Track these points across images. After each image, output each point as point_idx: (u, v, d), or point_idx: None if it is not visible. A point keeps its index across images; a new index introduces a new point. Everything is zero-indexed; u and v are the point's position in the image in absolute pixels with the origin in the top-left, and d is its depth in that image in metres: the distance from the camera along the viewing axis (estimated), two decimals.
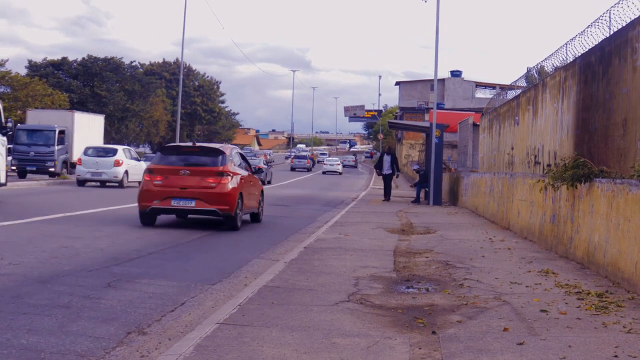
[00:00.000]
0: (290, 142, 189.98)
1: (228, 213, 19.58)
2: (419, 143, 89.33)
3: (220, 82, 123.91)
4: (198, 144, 21.38)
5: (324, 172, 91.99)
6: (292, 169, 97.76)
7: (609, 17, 15.30)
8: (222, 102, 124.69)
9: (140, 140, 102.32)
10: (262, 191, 23.63)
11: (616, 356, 7.00)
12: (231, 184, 19.74)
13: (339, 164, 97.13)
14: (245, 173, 21.34)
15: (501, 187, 21.74)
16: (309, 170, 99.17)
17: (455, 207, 31.57)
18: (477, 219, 24.46)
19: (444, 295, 10.18)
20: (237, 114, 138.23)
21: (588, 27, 16.51)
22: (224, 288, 11.08)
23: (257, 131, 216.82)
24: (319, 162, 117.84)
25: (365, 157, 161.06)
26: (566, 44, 18.56)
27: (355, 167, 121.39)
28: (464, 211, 28.69)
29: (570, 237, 13.86)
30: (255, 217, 22.88)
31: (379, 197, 39.95)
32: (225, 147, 21.49)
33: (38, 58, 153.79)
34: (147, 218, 19.85)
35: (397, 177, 40.46)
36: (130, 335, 7.91)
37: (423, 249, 15.53)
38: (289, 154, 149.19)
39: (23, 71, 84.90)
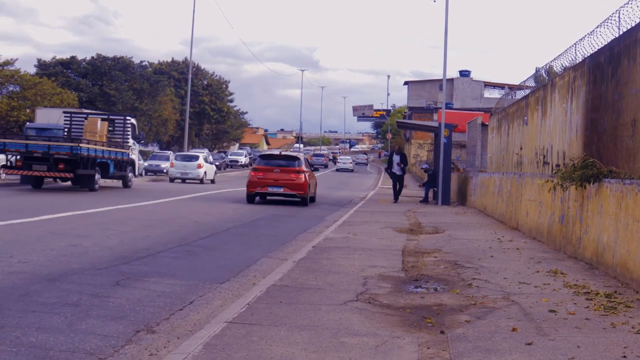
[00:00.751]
0: (299, 141, 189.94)
1: (303, 196, 31.59)
2: (427, 143, 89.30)
3: (228, 82, 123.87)
4: (283, 153, 36.06)
5: (337, 170, 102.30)
6: (311, 165, 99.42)
7: (618, 17, 15.28)
8: (231, 101, 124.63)
9: (149, 139, 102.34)
10: (315, 182, 36.43)
11: (625, 357, 6.99)
12: (304, 178, 31.49)
13: (351, 162, 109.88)
14: (309, 170, 33.93)
15: (510, 187, 21.71)
16: (325, 166, 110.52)
17: (463, 207, 31.54)
18: (485, 219, 24.44)
19: (452, 295, 10.17)
20: (246, 113, 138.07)
21: (597, 27, 16.50)
22: (232, 287, 11.09)
23: (266, 130, 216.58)
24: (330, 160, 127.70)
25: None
26: (575, 44, 18.55)
27: (365, 164, 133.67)
28: (472, 211, 28.67)
29: (579, 237, 13.84)
30: (312, 199, 34.28)
31: (388, 197, 39.94)
32: (299, 155, 36.07)
33: (46, 57, 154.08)
34: (251, 198, 31.76)
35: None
36: (139, 334, 7.93)
37: (431, 249, 15.53)
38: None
39: (32, 70, 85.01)
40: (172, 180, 52.76)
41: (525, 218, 19.05)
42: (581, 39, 17.88)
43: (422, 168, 52.37)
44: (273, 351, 6.96)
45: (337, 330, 7.85)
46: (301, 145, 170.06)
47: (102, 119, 38.88)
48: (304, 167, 31.95)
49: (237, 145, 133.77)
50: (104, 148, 35.56)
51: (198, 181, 52.17)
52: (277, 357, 6.80)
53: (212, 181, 53.75)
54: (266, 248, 16.03)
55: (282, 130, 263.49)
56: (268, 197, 32.76)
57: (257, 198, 32.16)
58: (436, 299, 9.82)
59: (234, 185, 47.30)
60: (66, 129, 38.09)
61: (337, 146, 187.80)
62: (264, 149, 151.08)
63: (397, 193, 36.02)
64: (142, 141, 29.37)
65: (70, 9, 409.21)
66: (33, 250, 13.39)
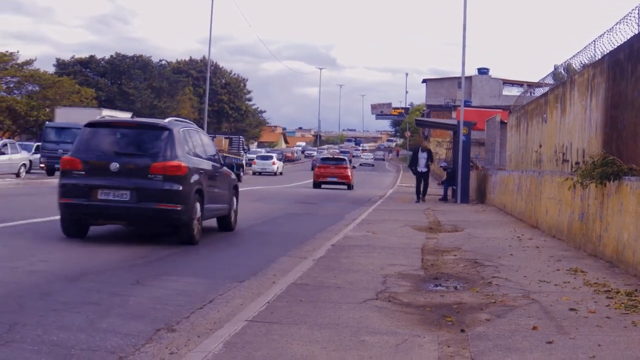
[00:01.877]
0: (317, 140, 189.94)
1: (349, 183, 49.94)
2: (446, 141, 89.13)
3: (247, 80, 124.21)
4: (336, 156, 59.31)
5: (360, 164, 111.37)
6: None
7: (638, 13, 15.20)
8: (249, 99, 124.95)
9: None
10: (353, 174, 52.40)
11: None
12: (349, 172, 50.55)
13: (372, 158, 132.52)
14: (351, 166, 52.40)
15: (529, 185, 21.66)
16: (350, 162, 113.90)
17: (482, 205, 31.51)
18: (504, 217, 24.39)
19: (472, 293, 10.16)
20: (264, 111, 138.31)
21: (616, 24, 16.42)
22: (252, 285, 11.10)
23: (284, 129, 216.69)
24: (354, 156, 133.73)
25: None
26: (594, 41, 18.47)
27: (383, 159, 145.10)
28: (491, 209, 28.63)
29: (599, 235, 13.80)
30: (352, 187, 50.75)
31: (407, 195, 39.91)
32: (346, 157, 59.94)
33: (64, 56, 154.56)
34: (318, 185, 49.29)
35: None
36: (159, 332, 7.94)
37: (451, 247, 15.51)
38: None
39: (51, 69, 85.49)
40: (254, 173, 72.90)
41: (545, 216, 19.00)
42: (600, 36, 17.81)
43: (440, 166, 52.32)
44: (293, 349, 6.96)
45: (358, 328, 7.84)
46: (304, 143, 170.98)
47: (225, 137, 65.66)
48: (348, 165, 52.24)
49: (256, 143, 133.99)
50: (233, 155, 51.74)
51: (273, 174, 73.37)
52: (298, 355, 6.80)
53: (281, 173, 76.03)
54: (285, 246, 16.03)
55: (300, 128, 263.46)
56: (323, 186, 49.63)
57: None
58: (456, 298, 9.81)
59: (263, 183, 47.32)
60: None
61: (344, 144, 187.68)
62: (282, 147, 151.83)
63: (422, 192, 34.89)
64: (247, 151, 54.73)
65: (88, 9, 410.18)
66: (54, 249, 13.46)
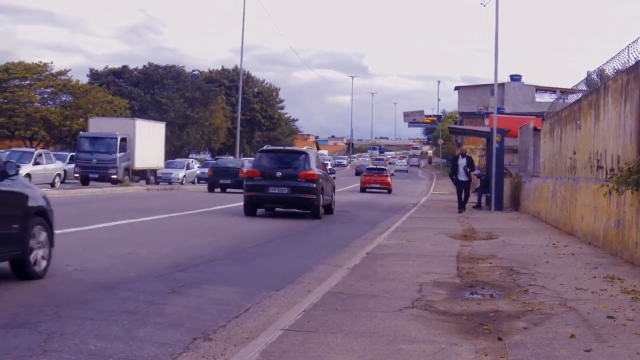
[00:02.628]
0: (350, 148, 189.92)
1: (390, 189, 59.14)
2: (479, 148, 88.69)
3: (279, 89, 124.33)
4: (378, 166, 70.98)
5: (396, 171, 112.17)
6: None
7: None
8: (282, 108, 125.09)
9: (200, 147, 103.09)
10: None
11: None
12: (389, 179, 60.48)
13: (406, 165, 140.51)
14: (390, 174, 63.50)
15: (564, 192, 21.55)
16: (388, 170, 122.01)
17: (517, 213, 31.38)
18: (539, 224, 24.28)
19: (508, 301, 10.11)
20: (297, 120, 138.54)
21: None
22: (287, 294, 11.11)
23: (317, 137, 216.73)
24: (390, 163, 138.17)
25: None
26: (628, 46, 18.33)
27: (418, 166, 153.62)
28: (525, 216, 28.51)
29: (635, 242, 13.70)
30: (390, 191, 58.99)
31: (440, 203, 39.85)
32: (387, 167, 78.96)
33: (97, 66, 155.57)
34: (363, 190, 58.94)
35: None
36: (196, 341, 7.96)
37: (486, 255, 15.45)
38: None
39: (84, 79, 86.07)
40: None
41: (580, 223, 18.90)
42: (634, 41, 17.67)
43: (474, 174, 52.21)
44: (330, 358, 6.95)
45: (394, 337, 7.83)
46: (325, 152, 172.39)
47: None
48: (388, 174, 62.09)
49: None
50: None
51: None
52: None
53: None
54: (320, 255, 16.05)
55: (333, 137, 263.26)
56: (368, 190, 58.38)
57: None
58: (492, 305, 9.76)
59: None
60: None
61: (367, 152, 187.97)
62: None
63: (462, 201, 32.73)
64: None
65: (120, 19, 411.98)
66: (89, 258, 13.52)
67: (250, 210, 26.36)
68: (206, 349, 7.68)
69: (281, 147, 35.37)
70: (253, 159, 30.12)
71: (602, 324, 8.53)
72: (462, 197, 32.73)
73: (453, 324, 8.55)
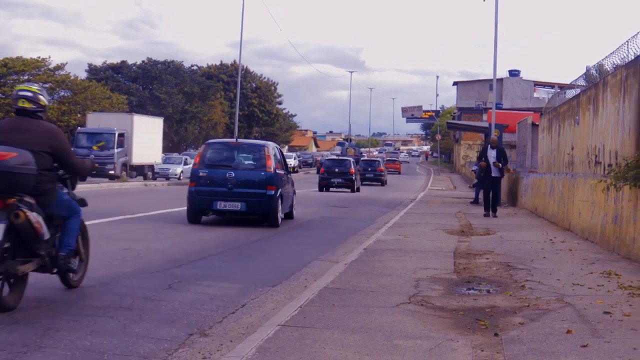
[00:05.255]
0: (348, 142, 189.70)
1: (384, 180, 65.37)
2: (477, 144, 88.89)
3: (277, 84, 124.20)
4: (393, 158, 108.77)
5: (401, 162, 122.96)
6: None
7: None
8: (280, 103, 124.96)
9: (198, 142, 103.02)
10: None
11: None
12: (385, 173, 67.40)
13: (407, 156, 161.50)
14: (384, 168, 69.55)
15: (561, 188, 21.54)
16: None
17: (514, 208, 31.37)
18: (536, 220, 24.27)
19: (505, 296, 10.11)
20: (295, 115, 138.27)
21: None
22: (284, 290, 11.11)
23: (315, 133, 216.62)
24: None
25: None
26: (627, 41, 18.29)
27: (419, 156, 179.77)
28: (523, 212, 28.50)
29: (632, 237, 13.69)
30: (383, 182, 64.81)
31: (438, 199, 39.80)
32: (379, 159, 79.72)
33: (94, 61, 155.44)
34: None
35: (507, 171, 29.80)
36: (192, 337, 7.96)
37: (483, 250, 15.44)
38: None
39: (82, 75, 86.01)
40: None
41: (578, 219, 18.89)
42: (634, 36, 17.65)
43: (472, 169, 52.20)
44: (326, 354, 6.95)
45: (390, 332, 7.82)
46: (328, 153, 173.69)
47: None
48: (383, 167, 68.20)
49: (287, 147, 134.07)
50: None
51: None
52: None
53: None
54: (317, 250, 16.05)
55: (330, 132, 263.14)
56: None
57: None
58: (489, 301, 9.76)
59: None
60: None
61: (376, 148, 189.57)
62: (313, 151, 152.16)
63: (491, 203, 26.41)
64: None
65: (116, 13, 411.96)
66: None
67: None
68: (202, 345, 7.67)
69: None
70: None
71: (598, 319, 8.53)
72: (490, 197, 26.47)
73: (449, 320, 8.54)
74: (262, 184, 20.61)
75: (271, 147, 22.18)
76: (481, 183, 34.95)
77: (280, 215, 21.21)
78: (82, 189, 36.33)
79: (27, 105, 9.15)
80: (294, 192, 24.50)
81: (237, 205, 20.38)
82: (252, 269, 13.19)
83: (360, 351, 7.07)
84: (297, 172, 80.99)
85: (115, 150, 46.02)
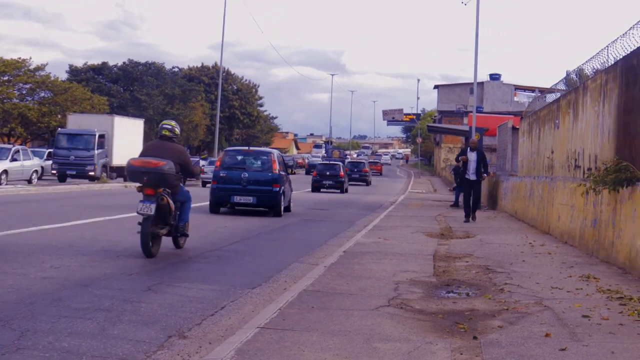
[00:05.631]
0: (328, 144, 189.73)
1: (369, 181, 70.58)
2: (457, 147, 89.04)
3: (258, 86, 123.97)
4: (376, 160, 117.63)
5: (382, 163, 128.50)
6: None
7: None
8: (261, 105, 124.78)
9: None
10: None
11: None
12: (370, 174, 72.89)
13: (389, 158, 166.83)
14: (368, 169, 74.89)
15: (541, 191, 21.60)
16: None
17: (494, 211, 31.45)
18: (516, 223, 24.34)
19: (484, 300, 10.13)
20: (276, 117, 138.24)
21: (630, 29, 16.34)
22: (263, 292, 11.09)
23: (296, 135, 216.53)
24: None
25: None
26: (607, 46, 18.38)
27: (400, 159, 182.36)
28: (503, 215, 28.58)
29: (611, 241, 13.74)
30: (368, 182, 70.00)
31: (418, 201, 39.85)
32: (363, 161, 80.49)
33: (74, 62, 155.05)
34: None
35: (483, 178, 26.49)
36: (171, 339, 7.94)
37: (463, 254, 15.47)
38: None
39: (63, 76, 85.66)
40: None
41: (557, 222, 18.95)
42: (613, 41, 17.71)
43: (450, 172, 52.27)
44: (305, 357, 6.94)
45: (370, 335, 7.82)
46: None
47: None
48: (368, 168, 73.61)
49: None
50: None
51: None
52: None
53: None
54: (297, 253, 16.05)
55: (311, 134, 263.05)
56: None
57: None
58: (468, 304, 9.78)
59: None
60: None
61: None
62: (294, 153, 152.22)
63: (470, 207, 25.44)
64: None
65: (97, 14, 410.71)
66: (65, 255, 13.45)
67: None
68: (181, 347, 7.65)
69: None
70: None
71: (577, 323, 8.56)
72: (471, 201, 25.52)
73: (429, 323, 8.55)
74: (269, 182, 26.06)
75: (276, 153, 28.09)
76: (460, 186, 35.08)
77: (282, 207, 26.58)
78: (62, 190, 36.28)
79: (167, 133, 14.81)
80: (291, 190, 29.98)
81: (249, 199, 25.95)
82: (231, 271, 13.16)
83: (340, 354, 7.06)
84: (294, 173, 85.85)
85: (96, 152, 45.86)
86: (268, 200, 26.06)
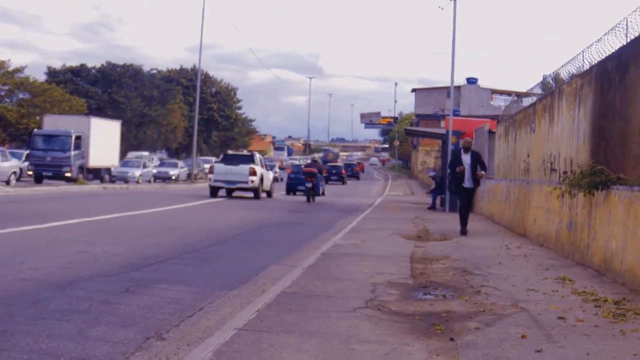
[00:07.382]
0: (307, 148, 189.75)
1: (343, 177, 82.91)
2: (434, 150, 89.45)
3: (237, 89, 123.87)
4: (352, 163, 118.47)
5: (370, 164, 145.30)
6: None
7: (626, 25, 15.24)
8: (239, 108, 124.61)
9: (157, 147, 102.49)
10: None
11: None
12: (345, 175, 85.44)
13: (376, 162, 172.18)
14: (343, 171, 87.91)
15: (517, 194, 21.71)
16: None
17: (471, 214, 31.47)
18: (493, 226, 24.45)
19: (461, 302, 10.19)
20: (254, 120, 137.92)
21: (605, 34, 16.46)
22: (241, 294, 11.11)
23: (274, 137, 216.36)
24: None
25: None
26: (583, 51, 18.51)
27: (377, 163, 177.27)
28: (479, 218, 28.67)
29: (587, 244, 13.85)
30: (343, 180, 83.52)
31: (395, 204, 39.93)
32: (340, 165, 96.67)
33: (52, 64, 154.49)
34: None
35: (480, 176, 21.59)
36: (149, 341, 7.95)
37: (440, 256, 15.54)
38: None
39: (42, 77, 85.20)
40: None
41: (533, 225, 19.06)
42: (589, 47, 17.85)
43: (429, 175, 52.44)
44: (283, 358, 6.98)
45: (347, 337, 7.86)
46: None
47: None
48: (343, 171, 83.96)
49: (245, 152, 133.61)
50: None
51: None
52: None
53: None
54: (275, 255, 16.05)
55: (289, 137, 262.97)
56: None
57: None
58: (445, 306, 9.83)
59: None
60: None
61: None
62: (272, 155, 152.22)
63: (466, 218, 21.69)
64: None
65: (74, 16, 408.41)
66: (43, 257, 13.43)
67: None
68: (159, 349, 7.67)
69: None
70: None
71: (552, 324, 8.63)
72: (464, 211, 21.81)
73: (406, 325, 8.60)
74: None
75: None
76: (439, 190, 35.18)
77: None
78: (38, 191, 36.15)
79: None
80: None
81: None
82: (209, 273, 13.17)
83: (317, 355, 7.10)
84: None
85: (72, 153, 45.73)
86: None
